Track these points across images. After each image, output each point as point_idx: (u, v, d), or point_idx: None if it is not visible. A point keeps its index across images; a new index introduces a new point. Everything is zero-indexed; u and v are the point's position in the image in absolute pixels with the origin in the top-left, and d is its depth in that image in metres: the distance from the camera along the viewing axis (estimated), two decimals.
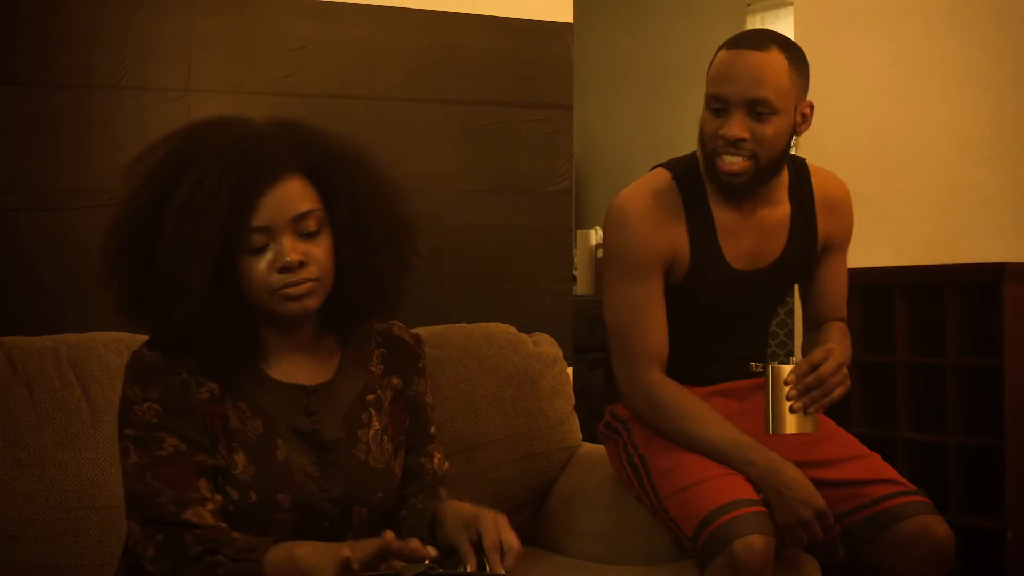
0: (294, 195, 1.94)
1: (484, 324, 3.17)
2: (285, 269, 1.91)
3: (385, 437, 2.07)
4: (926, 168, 3.80)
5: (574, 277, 3.71)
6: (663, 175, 2.63)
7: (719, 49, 2.51)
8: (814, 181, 2.69)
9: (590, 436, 3.19)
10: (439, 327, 3.10)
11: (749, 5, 6.38)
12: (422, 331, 3.04)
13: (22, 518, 2.39)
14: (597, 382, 5.15)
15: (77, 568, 2.42)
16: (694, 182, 2.61)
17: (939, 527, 2.46)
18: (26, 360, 2.51)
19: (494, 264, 3.42)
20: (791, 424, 2.39)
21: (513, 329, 3.18)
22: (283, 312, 1.94)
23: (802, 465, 2.49)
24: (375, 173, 2.08)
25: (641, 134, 6.78)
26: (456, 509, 1.98)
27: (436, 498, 2.09)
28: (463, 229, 3.38)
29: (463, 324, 3.16)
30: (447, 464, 2.20)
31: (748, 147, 2.46)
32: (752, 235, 2.62)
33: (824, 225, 2.68)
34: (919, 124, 3.81)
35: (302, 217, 1.94)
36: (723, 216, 2.59)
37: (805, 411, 2.39)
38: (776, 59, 2.46)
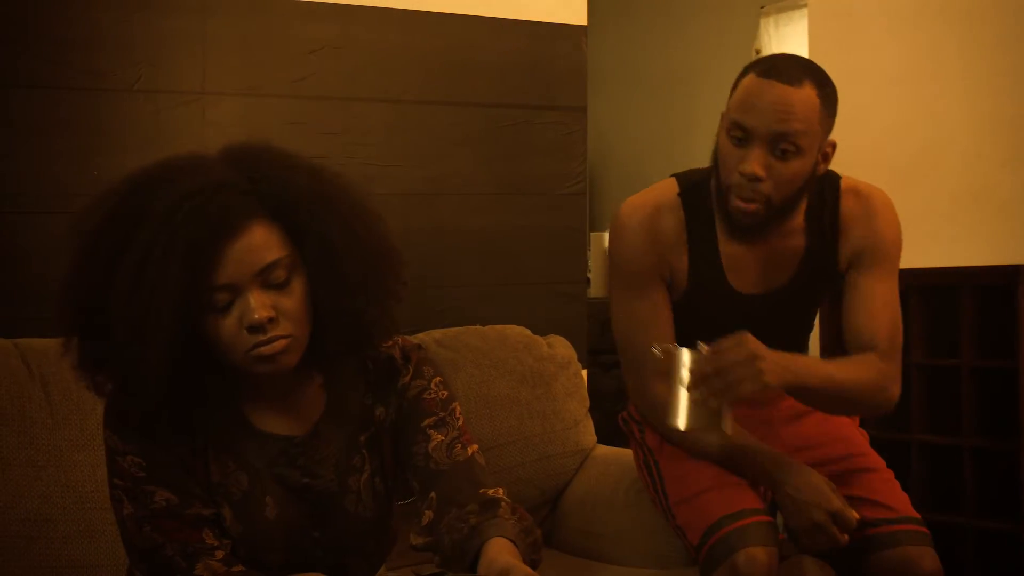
0: (257, 246, 1.74)
1: (498, 326, 3.17)
2: (253, 329, 1.73)
3: (377, 479, 1.94)
4: (942, 170, 3.79)
5: (588, 279, 3.71)
6: (670, 188, 2.49)
7: (746, 70, 2.36)
8: (843, 202, 2.48)
9: (604, 438, 3.19)
10: (454, 329, 3.11)
11: (763, 7, 6.37)
12: (436, 333, 3.05)
13: (38, 519, 2.40)
14: (611, 384, 5.16)
15: (93, 568, 2.42)
16: (702, 202, 2.47)
17: (926, 560, 2.36)
18: (42, 362, 2.52)
19: (508, 266, 3.43)
20: (693, 418, 2.09)
21: (527, 331, 3.18)
22: (259, 371, 1.77)
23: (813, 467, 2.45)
24: (345, 207, 1.84)
25: (655, 136, 6.78)
26: (490, 562, 1.74)
27: (482, 521, 1.82)
28: (477, 231, 3.38)
29: (477, 326, 3.17)
30: (470, 450, 1.95)
31: (764, 188, 2.30)
32: (760, 261, 2.46)
33: (847, 245, 2.47)
34: (935, 126, 3.80)
35: (269, 268, 1.74)
36: (729, 242, 2.45)
37: (707, 404, 2.09)
38: (809, 96, 2.28)
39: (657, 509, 2.64)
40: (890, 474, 2.53)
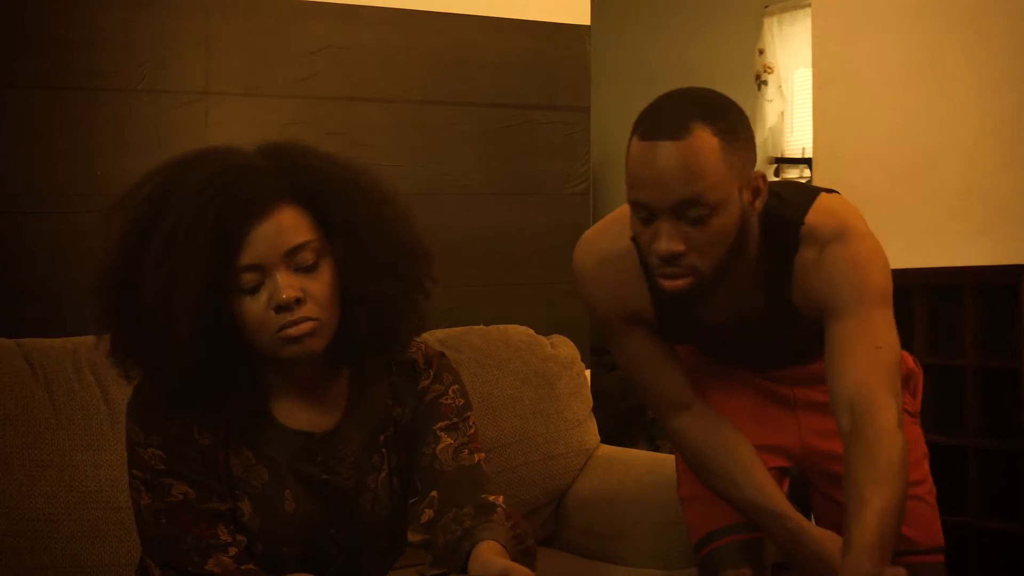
0: (286, 227, 1.78)
1: (502, 326, 3.17)
2: (281, 308, 1.75)
3: (395, 478, 1.95)
4: (946, 170, 3.79)
5: None
6: (623, 232, 2.11)
7: (632, 132, 1.98)
8: (799, 253, 2.12)
9: (608, 438, 3.19)
10: (457, 329, 3.11)
11: (767, 7, 6.38)
12: (440, 333, 3.05)
13: (42, 519, 2.40)
14: (615, 384, 5.16)
15: (97, 568, 2.43)
16: None
17: None
18: (45, 362, 2.52)
19: (511, 266, 3.43)
20: None
21: (531, 331, 3.18)
22: (285, 356, 1.80)
23: (824, 457, 2.34)
24: (375, 196, 1.88)
25: None
26: (484, 564, 1.75)
27: (476, 524, 1.85)
28: (480, 231, 3.38)
29: (481, 326, 3.17)
30: (477, 457, 1.98)
31: (688, 261, 1.96)
32: (726, 294, 2.13)
33: (800, 292, 2.13)
34: (938, 126, 3.80)
35: (297, 250, 1.78)
36: None
37: None
38: (700, 142, 1.91)
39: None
40: (926, 487, 2.34)
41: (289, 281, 1.76)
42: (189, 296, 1.72)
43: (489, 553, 1.76)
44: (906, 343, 3.66)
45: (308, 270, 1.79)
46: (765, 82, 6.46)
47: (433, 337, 3.03)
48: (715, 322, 2.18)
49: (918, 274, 3.67)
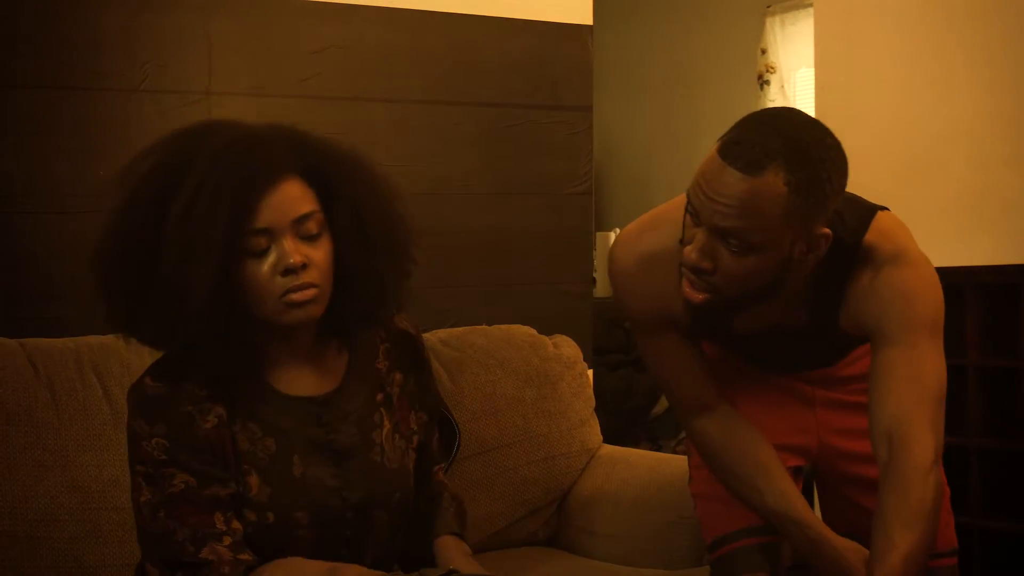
0: (294, 197, 1.88)
1: (504, 326, 3.17)
2: (288, 271, 1.85)
3: (397, 435, 2.05)
4: (947, 169, 3.79)
5: (594, 279, 3.71)
6: (671, 232, 2.06)
7: (720, 140, 1.94)
8: (856, 269, 2.09)
9: (610, 438, 3.19)
10: (459, 329, 3.11)
11: (769, 7, 6.37)
12: (442, 333, 3.06)
13: (44, 519, 2.40)
14: (617, 383, 5.17)
15: (99, 569, 2.43)
16: None
17: None
18: (48, 362, 2.53)
19: (514, 266, 3.43)
20: None
21: (533, 331, 3.18)
22: (287, 320, 1.89)
23: (842, 456, 2.32)
24: (374, 176, 2.02)
25: (661, 136, 6.78)
26: (445, 554, 2.08)
27: (432, 515, 2.16)
28: (483, 231, 3.38)
29: (483, 326, 3.17)
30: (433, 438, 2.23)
31: (713, 280, 1.94)
32: (763, 312, 2.08)
33: (849, 315, 2.11)
34: (940, 125, 3.80)
35: (304, 219, 1.88)
36: None
37: None
38: (766, 187, 1.86)
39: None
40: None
41: (296, 247, 1.86)
42: (211, 253, 1.81)
43: (447, 549, 2.08)
44: None
45: (311, 239, 1.89)
46: (767, 82, 6.46)
47: (435, 337, 3.03)
48: (749, 331, 2.14)
49: None
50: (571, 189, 3.50)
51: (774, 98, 6.39)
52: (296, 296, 1.86)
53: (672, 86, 6.76)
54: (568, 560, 2.89)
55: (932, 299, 2.13)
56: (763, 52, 6.44)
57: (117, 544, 2.43)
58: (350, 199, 1.94)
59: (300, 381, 1.98)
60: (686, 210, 1.96)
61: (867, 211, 2.11)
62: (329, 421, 1.98)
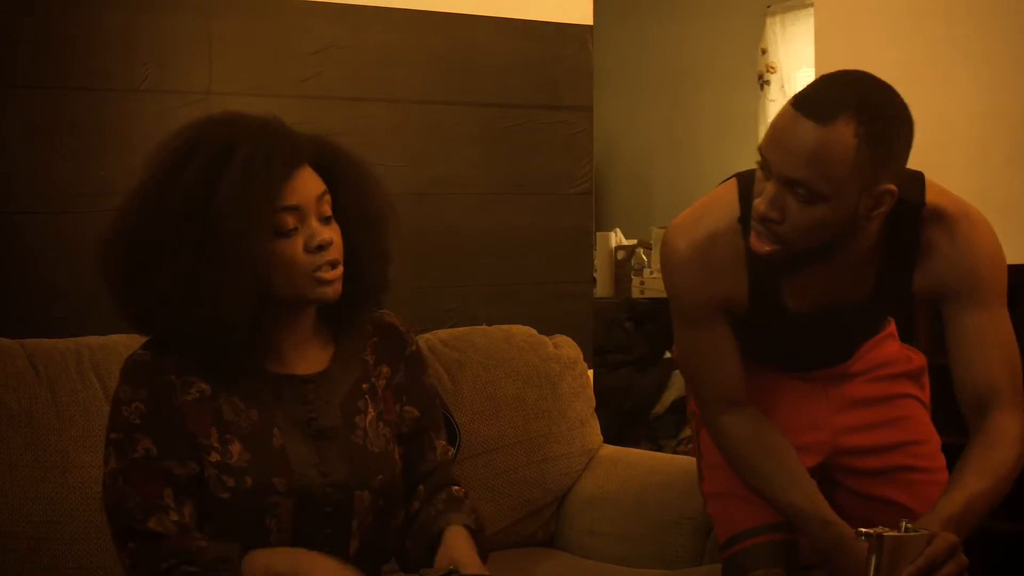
0: (314, 178, 1.96)
1: (504, 326, 3.17)
2: (320, 247, 1.92)
3: (381, 423, 2.06)
4: (947, 170, 3.78)
5: (594, 279, 3.71)
6: (729, 211, 2.16)
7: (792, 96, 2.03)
8: (925, 231, 2.15)
9: (610, 438, 3.19)
10: (460, 329, 3.11)
11: (769, 7, 6.37)
12: (442, 333, 3.06)
13: (46, 520, 2.40)
14: (617, 384, 5.16)
15: (100, 570, 2.42)
16: None
17: None
18: (48, 362, 2.52)
19: (514, 266, 3.42)
20: None
21: (533, 331, 3.18)
22: (315, 296, 1.94)
23: (848, 452, 2.36)
24: (365, 163, 2.09)
25: (661, 136, 6.78)
26: (447, 549, 2.01)
27: (448, 509, 2.09)
28: (483, 232, 3.38)
29: (483, 326, 3.17)
30: (451, 451, 2.22)
31: (780, 231, 2.01)
32: (823, 284, 2.17)
33: (928, 276, 2.16)
34: (941, 125, 3.80)
35: (323, 196, 1.95)
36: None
37: None
38: (838, 135, 1.93)
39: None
40: (944, 475, 2.39)
41: (320, 227, 1.93)
42: (265, 219, 1.88)
43: (459, 538, 2.01)
44: (910, 342, 3.68)
45: (326, 221, 1.95)
46: (768, 82, 6.46)
47: (436, 337, 3.03)
48: (794, 309, 2.19)
49: None
50: (571, 189, 3.50)
51: (774, 98, 6.38)
52: (328, 274, 1.93)
53: (672, 86, 6.76)
54: (568, 560, 2.89)
55: (1003, 261, 2.20)
56: (763, 52, 6.43)
57: None
58: (353, 184, 2.01)
59: (290, 361, 2.01)
60: (757, 165, 2.03)
61: (915, 174, 2.16)
62: (313, 400, 2.00)
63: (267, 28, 3.09)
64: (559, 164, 3.51)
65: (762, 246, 2.03)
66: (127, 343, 2.59)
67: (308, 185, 1.93)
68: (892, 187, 2.01)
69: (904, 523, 1.95)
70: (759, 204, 2.00)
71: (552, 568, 2.81)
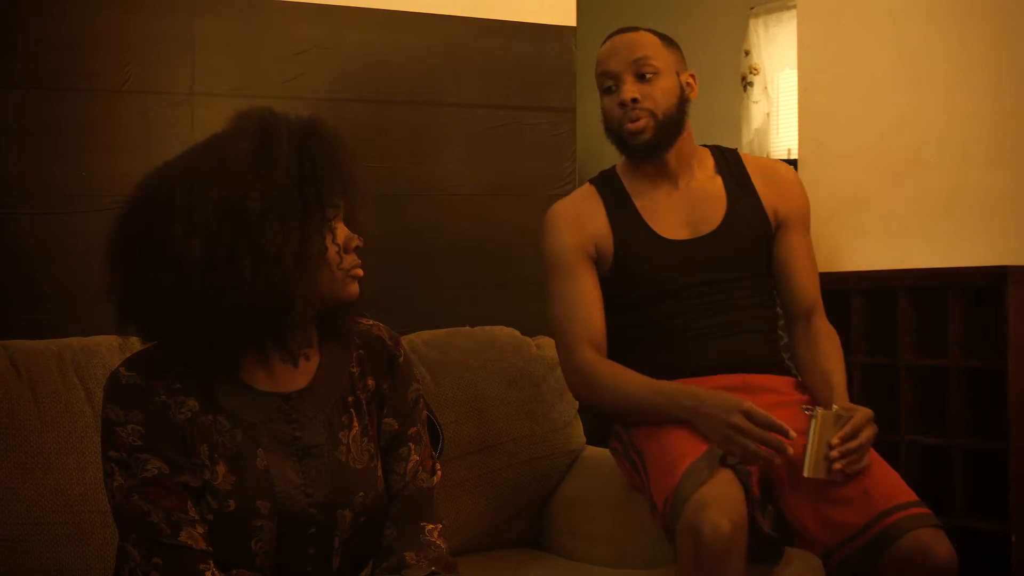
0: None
1: (487, 327, 3.17)
2: (357, 248, 1.96)
3: (365, 438, 2.04)
4: (929, 171, 3.79)
5: None
6: (585, 185, 2.86)
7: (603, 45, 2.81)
8: (747, 161, 2.84)
9: (594, 440, 3.19)
10: (443, 330, 3.11)
11: (752, 8, 6.39)
12: (425, 334, 3.05)
13: (27, 522, 2.39)
14: None
15: (82, 571, 2.42)
16: (612, 181, 2.82)
17: (942, 545, 2.39)
18: (30, 363, 2.52)
19: (497, 267, 3.42)
20: (823, 470, 2.47)
21: (516, 332, 3.18)
22: (346, 294, 1.97)
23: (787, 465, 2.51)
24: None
25: None
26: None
27: (410, 541, 2.03)
28: (466, 232, 3.38)
29: (466, 327, 3.16)
30: (437, 475, 2.13)
31: (645, 105, 2.69)
32: (683, 207, 2.76)
33: (768, 195, 2.79)
34: (922, 126, 3.81)
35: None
36: (644, 198, 2.76)
37: (828, 458, 2.46)
38: (646, 36, 2.77)
39: (646, 502, 2.62)
40: (883, 461, 2.57)
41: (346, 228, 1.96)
42: (315, 219, 1.88)
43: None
44: (891, 343, 3.67)
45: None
46: (751, 83, 6.47)
47: (419, 338, 3.03)
48: (664, 235, 2.72)
49: (904, 275, 3.68)
50: (555, 190, 3.50)
51: (757, 99, 6.40)
52: (361, 271, 1.97)
53: None
54: (552, 562, 2.89)
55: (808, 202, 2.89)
56: (747, 53, 6.45)
57: (100, 547, 2.42)
58: (350, 177, 2.00)
59: (273, 378, 1.99)
60: (603, 96, 2.77)
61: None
62: (297, 419, 1.98)
63: (250, 29, 3.08)
64: (542, 165, 3.51)
65: (637, 124, 2.70)
66: (109, 344, 2.59)
67: (342, 179, 1.95)
68: (692, 72, 2.80)
69: (835, 406, 2.51)
70: (623, 96, 2.71)
71: (536, 570, 2.81)
